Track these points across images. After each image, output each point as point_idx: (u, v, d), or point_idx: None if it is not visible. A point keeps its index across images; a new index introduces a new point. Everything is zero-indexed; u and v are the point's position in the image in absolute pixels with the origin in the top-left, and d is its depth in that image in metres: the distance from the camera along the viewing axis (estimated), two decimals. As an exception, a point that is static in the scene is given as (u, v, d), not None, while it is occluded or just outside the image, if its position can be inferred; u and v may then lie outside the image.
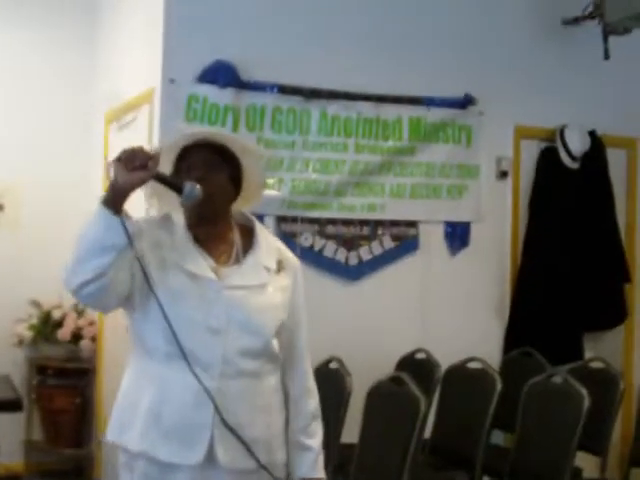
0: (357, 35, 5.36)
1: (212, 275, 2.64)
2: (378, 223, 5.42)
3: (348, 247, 5.33)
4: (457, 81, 5.61)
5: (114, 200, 2.46)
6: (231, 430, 2.57)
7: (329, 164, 5.26)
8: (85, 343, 6.06)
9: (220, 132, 2.81)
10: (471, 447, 4.62)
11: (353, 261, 5.34)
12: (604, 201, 5.96)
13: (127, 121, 5.51)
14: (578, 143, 5.82)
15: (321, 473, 2.82)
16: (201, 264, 2.64)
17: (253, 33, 5.11)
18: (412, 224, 5.50)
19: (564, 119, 5.86)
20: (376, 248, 5.40)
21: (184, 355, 2.53)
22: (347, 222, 5.34)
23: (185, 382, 2.55)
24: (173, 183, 2.55)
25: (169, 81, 4.93)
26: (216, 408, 2.56)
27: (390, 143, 5.41)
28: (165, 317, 2.53)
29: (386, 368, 4.75)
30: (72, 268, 2.49)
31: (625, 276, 5.94)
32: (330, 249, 5.28)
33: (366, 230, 5.40)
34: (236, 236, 2.74)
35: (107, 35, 6.18)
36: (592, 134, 5.92)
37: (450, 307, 5.54)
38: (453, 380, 5.01)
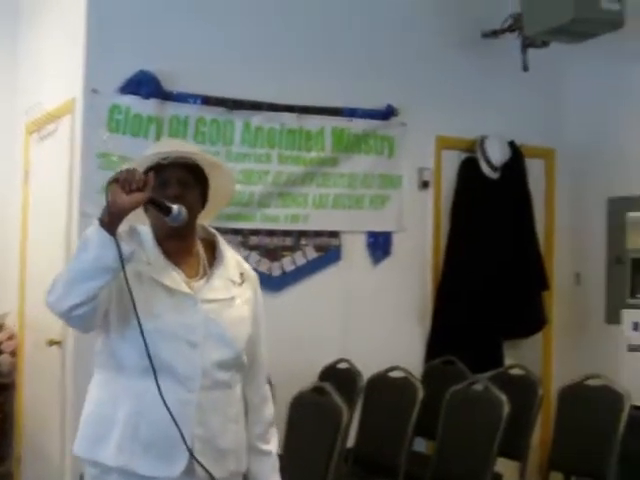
0: (280, 47, 5.38)
1: (188, 289, 2.69)
2: (301, 234, 5.44)
3: (271, 258, 5.34)
4: (379, 92, 5.67)
5: (111, 222, 2.47)
6: (191, 451, 2.61)
7: (252, 175, 5.26)
8: (4, 357, 5.89)
9: (191, 149, 2.84)
10: (393, 455, 4.66)
11: (276, 272, 5.34)
12: (523, 210, 6.07)
13: (49, 132, 5.45)
14: (498, 153, 5.92)
15: (278, 477, 2.95)
16: (175, 278, 2.69)
17: (176, 44, 5.09)
18: (334, 234, 5.54)
19: (484, 130, 5.96)
20: (299, 259, 5.43)
21: (154, 371, 2.55)
22: (270, 233, 5.35)
23: (162, 396, 2.56)
24: (163, 205, 2.60)
25: (91, 91, 4.89)
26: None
27: (313, 154, 5.44)
28: (142, 333, 2.54)
29: (309, 378, 4.75)
30: (64, 291, 2.49)
31: (543, 284, 6.06)
32: (253, 260, 5.24)
33: (289, 241, 5.41)
34: (200, 250, 2.80)
35: (29, 45, 6.09)
36: (512, 144, 6.02)
37: (373, 317, 5.58)
38: (376, 389, 5.05)
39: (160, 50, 5.06)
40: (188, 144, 2.95)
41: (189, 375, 2.63)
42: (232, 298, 2.77)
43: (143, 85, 4.97)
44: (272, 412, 2.97)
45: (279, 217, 5.36)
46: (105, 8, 4.98)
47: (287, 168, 5.37)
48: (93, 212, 4.60)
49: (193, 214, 2.72)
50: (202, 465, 2.62)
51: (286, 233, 5.40)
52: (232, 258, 2.85)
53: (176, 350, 2.62)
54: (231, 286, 2.78)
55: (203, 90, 5.15)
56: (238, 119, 5.24)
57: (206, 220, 2.89)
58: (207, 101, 5.16)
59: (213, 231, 2.89)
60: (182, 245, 2.75)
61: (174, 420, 2.55)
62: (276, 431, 2.98)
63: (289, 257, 5.41)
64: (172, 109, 5.07)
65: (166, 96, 5.05)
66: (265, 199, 5.31)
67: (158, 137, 4.98)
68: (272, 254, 5.36)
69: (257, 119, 5.29)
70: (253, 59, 5.30)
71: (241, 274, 2.84)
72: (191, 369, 2.63)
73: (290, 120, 5.38)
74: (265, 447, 2.91)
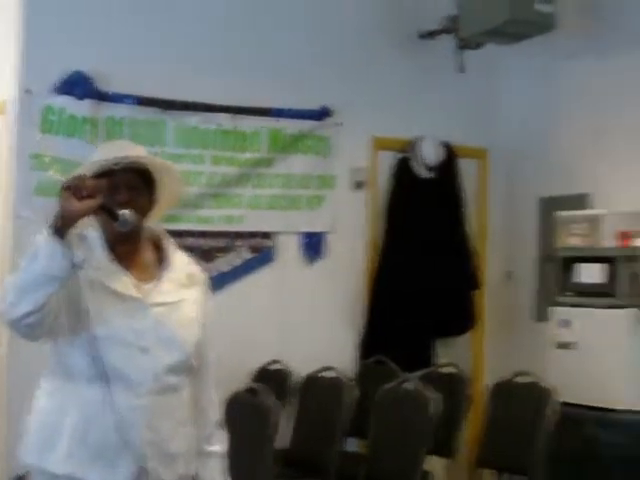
0: (215, 47, 5.39)
1: (137, 294, 2.68)
2: (236, 235, 5.46)
3: (206, 259, 5.32)
4: (314, 93, 5.71)
5: (62, 229, 2.47)
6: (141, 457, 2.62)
7: (187, 176, 5.22)
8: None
9: (141, 152, 2.83)
10: (326, 455, 4.70)
11: (211, 273, 5.35)
12: (456, 210, 6.14)
13: (-19, 132, 5.40)
14: (432, 154, 5.99)
15: (226, 478, 2.92)
16: (125, 283, 2.68)
17: (110, 44, 5.09)
18: (267, 235, 5.57)
19: (420, 130, 6.01)
20: (234, 260, 5.45)
21: (107, 378, 2.57)
22: (205, 234, 5.36)
23: (111, 403, 2.57)
24: (113, 211, 2.59)
25: (25, 92, 4.87)
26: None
27: (248, 155, 5.47)
28: (93, 341, 2.55)
29: (244, 379, 4.80)
30: (15, 299, 2.48)
31: (474, 283, 6.13)
32: (191, 261, 5.26)
33: (223, 242, 5.43)
34: (148, 252, 2.79)
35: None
36: (445, 145, 6.09)
37: (306, 317, 5.61)
38: (309, 390, 5.10)
39: (94, 51, 5.05)
40: (136, 147, 2.95)
41: (140, 381, 2.62)
42: (181, 301, 2.76)
43: (78, 85, 4.97)
44: (219, 414, 2.96)
45: (213, 218, 5.38)
46: (39, 8, 4.95)
47: (221, 169, 5.39)
48: (27, 214, 4.66)
49: (142, 218, 2.72)
50: (152, 471, 2.62)
51: (220, 234, 5.41)
52: (180, 260, 2.84)
53: (127, 356, 2.62)
54: (180, 288, 2.77)
55: (137, 91, 5.15)
56: (171, 120, 5.24)
57: (152, 221, 2.86)
58: (141, 102, 5.15)
59: (161, 233, 2.87)
60: (131, 248, 2.74)
61: (122, 426, 2.56)
62: (224, 433, 2.96)
63: (223, 258, 5.43)
64: (107, 110, 5.06)
65: (101, 96, 5.05)
66: (199, 200, 5.32)
67: (93, 138, 4.98)
68: (207, 255, 5.36)
69: (191, 120, 5.31)
70: (188, 59, 5.30)
71: (190, 276, 2.83)
72: (142, 375, 2.63)
73: (225, 121, 5.40)
74: (212, 449, 2.89)
